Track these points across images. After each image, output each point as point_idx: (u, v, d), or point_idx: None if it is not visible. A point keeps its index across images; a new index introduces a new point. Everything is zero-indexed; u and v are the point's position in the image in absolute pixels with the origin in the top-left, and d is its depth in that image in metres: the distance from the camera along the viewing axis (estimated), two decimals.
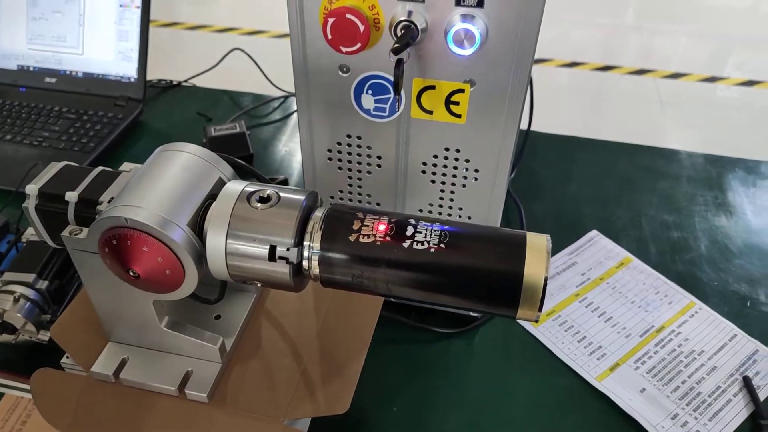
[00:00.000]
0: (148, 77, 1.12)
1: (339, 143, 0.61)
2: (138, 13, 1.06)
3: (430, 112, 0.56)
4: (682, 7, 3.53)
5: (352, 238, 0.44)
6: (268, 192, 0.46)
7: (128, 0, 1.06)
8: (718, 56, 3.04)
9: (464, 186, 0.60)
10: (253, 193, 0.46)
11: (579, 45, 3.14)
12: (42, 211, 0.49)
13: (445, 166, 0.60)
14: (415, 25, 0.50)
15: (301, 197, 0.46)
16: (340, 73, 0.55)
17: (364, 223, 0.45)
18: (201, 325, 0.54)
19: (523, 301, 0.43)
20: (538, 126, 0.98)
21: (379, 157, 0.61)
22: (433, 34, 0.50)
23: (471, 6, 0.49)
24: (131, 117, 1.06)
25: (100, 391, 0.53)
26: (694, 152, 1.04)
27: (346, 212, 0.46)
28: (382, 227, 0.44)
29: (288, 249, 0.44)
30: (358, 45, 0.50)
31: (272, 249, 0.44)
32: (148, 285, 0.47)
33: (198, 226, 0.46)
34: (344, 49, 0.51)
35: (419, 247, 0.43)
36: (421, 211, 0.64)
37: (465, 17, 0.49)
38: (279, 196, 0.46)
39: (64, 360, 0.56)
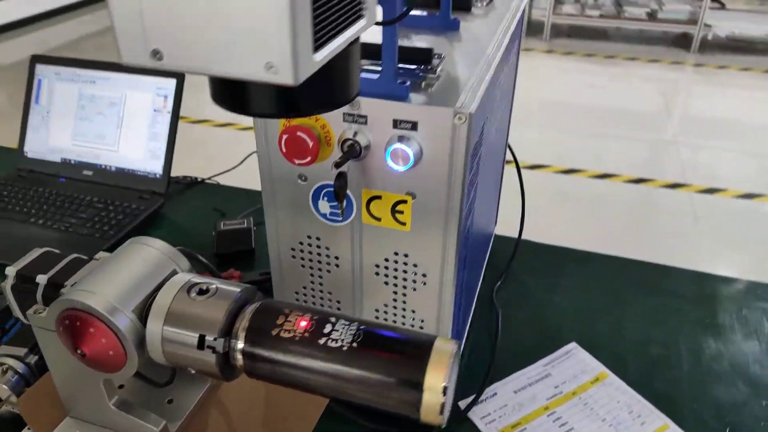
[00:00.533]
0: (176, 173, 1.22)
1: (301, 243, 0.66)
2: (169, 117, 1.19)
3: (379, 219, 0.61)
4: (720, 125, 3.57)
5: (274, 333, 0.48)
6: (207, 285, 0.51)
7: (161, 106, 1.19)
8: (758, 174, 3.02)
9: (414, 289, 0.64)
10: (194, 285, 0.51)
11: (616, 157, 3.19)
12: (17, 291, 0.55)
13: (395, 270, 0.63)
14: (359, 144, 0.55)
15: (236, 290, 0.50)
16: (299, 181, 0.61)
17: (288, 319, 0.48)
18: (152, 408, 0.58)
19: (425, 406, 0.45)
20: (561, 236, 1.01)
21: (336, 258, 0.65)
22: (375, 152, 0.56)
23: (406, 129, 0.54)
24: (152, 209, 1.15)
25: None
26: (686, 269, 1.03)
27: (274, 308, 0.50)
28: (303, 323, 0.48)
29: (215, 339, 0.48)
30: (308, 158, 0.56)
31: (201, 338, 0.48)
32: (94, 364, 0.51)
33: (143, 314, 0.51)
34: (297, 161, 0.57)
35: (333, 344, 0.46)
36: (377, 311, 0.67)
37: (401, 138, 0.55)
38: (217, 289, 0.50)
39: (25, 431, 0.60)
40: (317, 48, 0.31)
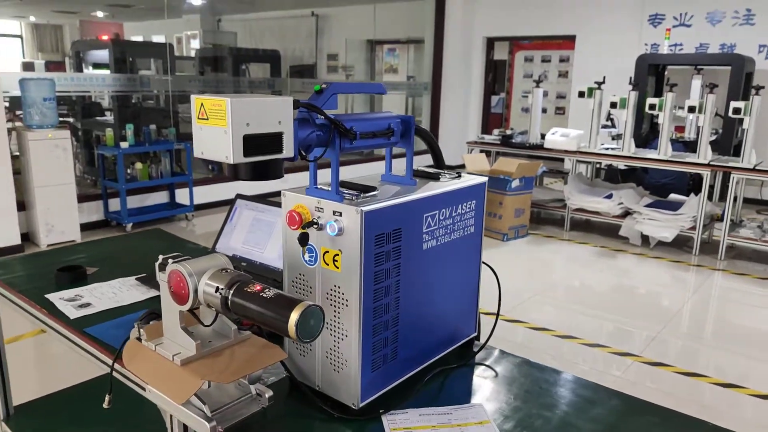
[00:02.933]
0: None
1: (296, 277, 1.22)
2: None
3: (327, 264, 1.15)
4: None
5: (245, 290, 1.05)
6: (227, 270, 1.10)
7: None
8: None
9: (342, 310, 1.15)
10: (224, 269, 1.11)
11: None
12: (159, 265, 1.20)
13: (334, 296, 1.16)
14: (318, 221, 1.13)
15: (237, 273, 1.09)
16: (299, 244, 1.20)
17: (251, 286, 1.05)
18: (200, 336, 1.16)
19: (289, 327, 0.96)
20: None
21: (310, 287, 1.20)
22: (326, 226, 1.13)
23: (338, 216, 1.11)
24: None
25: (149, 352, 1.16)
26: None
27: (248, 281, 1.07)
28: (257, 288, 1.04)
29: (222, 289, 1.06)
30: (296, 226, 1.15)
31: (216, 288, 1.07)
32: (176, 297, 1.12)
33: (200, 278, 1.11)
34: (292, 227, 1.16)
35: (265, 295, 1.02)
36: (331, 321, 1.18)
37: (335, 220, 1.11)
38: (229, 271, 1.09)
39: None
40: (246, 156, 0.92)
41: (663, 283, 4.77)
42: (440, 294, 1.34)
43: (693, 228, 5.14)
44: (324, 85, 1.09)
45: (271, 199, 1.98)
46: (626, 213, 5.55)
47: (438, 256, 1.31)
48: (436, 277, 1.31)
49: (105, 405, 1.37)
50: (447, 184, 1.32)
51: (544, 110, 11.20)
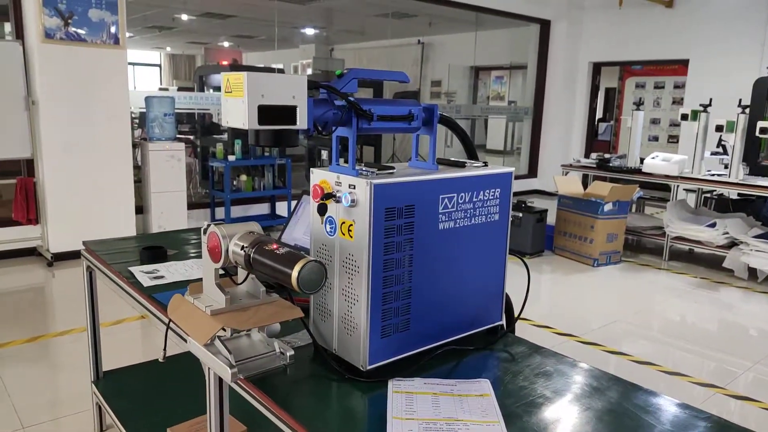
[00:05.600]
0: None
1: (321, 246, 1.34)
2: None
3: (344, 234, 1.26)
4: None
5: (264, 248, 1.19)
6: (253, 232, 1.25)
7: None
8: None
9: (354, 275, 1.25)
10: (252, 232, 1.25)
11: None
12: (203, 230, 1.37)
13: (348, 263, 1.26)
14: (336, 194, 1.25)
15: (263, 235, 1.23)
16: (317, 214, 1.32)
17: (270, 244, 1.19)
18: (233, 295, 1.31)
19: (292, 279, 1.08)
20: None
21: (330, 255, 1.31)
22: (341, 198, 1.25)
23: (352, 188, 1.22)
24: None
25: (188, 305, 1.33)
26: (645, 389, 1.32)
27: (268, 240, 1.20)
28: (274, 246, 1.18)
29: (246, 247, 1.21)
30: (319, 199, 1.28)
31: (242, 246, 1.21)
32: (211, 254, 1.28)
33: (231, 239, 1.27)
34: (315, 200, 1.29)
35: (278, 252, 1.15)
36: (345, 287, 1.29)
37: (350, 192, 1.23)
38: (254, 233, 1.24)
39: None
40: (260, 123, 1.05)
41: None
42: (459, 275, 1.41)
43: None
44: (345, 71, 1.21)
45: None
46: (732, 244, 5.17)
47: (457, 238, 1.37)
48: (454, 258, 1.38)
49: (160, 359, 1.55)
50: (469, 171, 1.40)
51: (656, 138, 10.72)
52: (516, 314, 1.56)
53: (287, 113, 1.10)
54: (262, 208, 6.53)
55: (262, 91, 1.06)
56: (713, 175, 5.46)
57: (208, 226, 1.35)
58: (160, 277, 1.94)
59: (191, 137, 8.00)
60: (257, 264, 1.18)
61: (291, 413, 1.16)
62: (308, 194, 2.33)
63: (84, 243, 2.31)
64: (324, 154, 8.37)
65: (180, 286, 1.84)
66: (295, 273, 1.07)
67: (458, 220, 1.37)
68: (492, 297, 1.52)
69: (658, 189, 6.91)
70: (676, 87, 10.21)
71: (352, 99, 1.20)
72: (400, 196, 1.25)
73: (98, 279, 2.25)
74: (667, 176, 5.52)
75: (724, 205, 6.34)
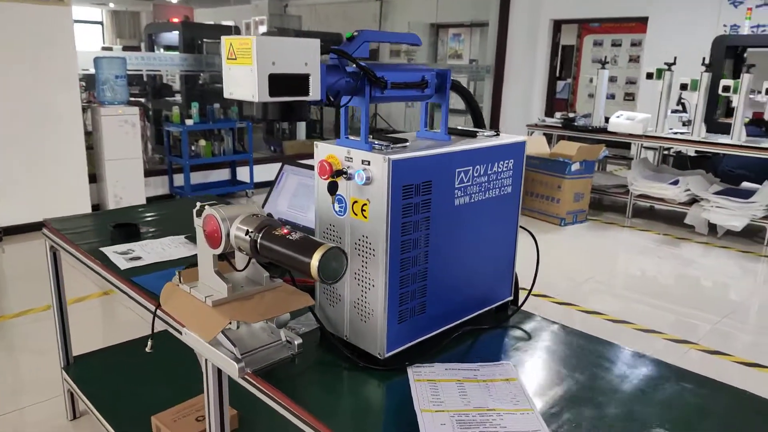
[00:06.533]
0: None
1: (327, 228, 1.23)
2: None
3: (356, 214, 1.16)
4: None
5: (273, 233, 1.07)
6: (258, 215, 1.13)
7: None
8: None
9: (369, 259, 1.15)
10: (255, 214, 1.13)
11: None
12: (196, 212, 1.24)
13: (362, 246, 1.16)
14: (347, 171, 1.14)
15: (268, 218, 1.11)
16: (328, 192, 1.21)
17: (279, 229, 1.07)
18: (233, 282, 1.19)
19: (311, 268, 0.98)
20: None
21: (339, 237, 1.21)
22: (353, 176, 1.14)
23: (366, 165, 1.11)
24: None
25: (184, 294, 1.21)
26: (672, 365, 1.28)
27: (276, 224, 1.09)
28: (285, 231, 1.06)
29: (251, 232, 1.09)
30: (326, 176, 1.17)
31: (246, 231, 1.10)
32: (209, 240, 1.16)
33: (232, 222, 1.14)
34: (322, 177, 1.18)
35: (291, 238, 1.04)
36: (356, 273, 1.19)
37: (364, 169, 1.12)
38: (259, 216, 1.12)
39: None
40: (271, 95, 0.93)
41: (730, 274, 4.53)
42: (473, 253, 1.33)
43: (766, 218, 4.85)
44: (355, 33, 1.09)
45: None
46: (693, 200, 5.29)
47: (471, 213, 1.29)
48: (468, 235, 1.30)
49: (147, 349, 1.43)
50: (483, 141, 1.30)
51: (612, 96, 10.81)
52: (529, 288, 1.50)
53: (299, 83, 0.97)
54: (223, 174, 6.30)
55: (272, 57, 0.93)
56: (675, 133, 5.53)
57: (202, 207, 1.22)
58: (136, 258, 1.79)
59: (141, 100, 7.59)
60: (266, 250, 1.07)
61: (308, 409, 1.08)
62: (290, 164, 2.21)
63: (45, 221, 2.13)
64: None
65: (160, 268, 1.70)
66: (315, 262, 0.97)
67: (473, 195, 1.28)
68: (503, 273, 1.45)
69: (617, 147, 6.98)
70: (633, 45, 10.29)
71: (363, 65, 1.08)
72: (418, 171, 1.15)
73: (63, 259, 2.08)
74: (631, 135, 5.57)
75: (682, 163, 6.47)
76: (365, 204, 1.14)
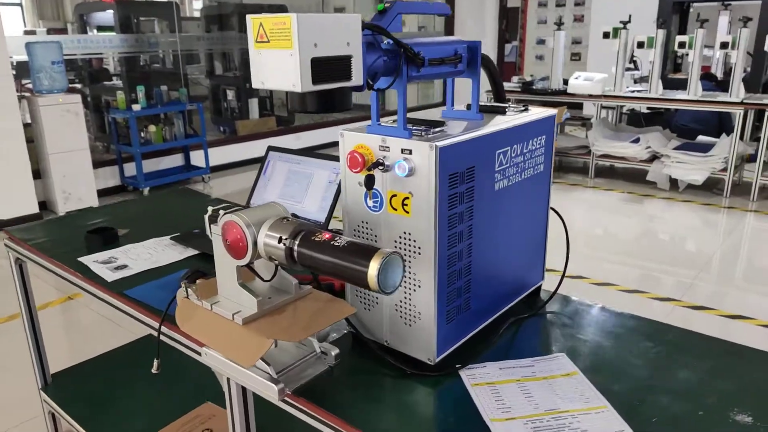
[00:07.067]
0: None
1: (359, 225, 1.11)
2: (336, 187, 1.76)
3: (396, 209, 1.04)
4: None
5: (313, 238, 0.94)
6: (290, 219, 0.99)
7: (333, 179, 1.77)
8: None
9: (415, 257, 1.04)
10: (284, 218, 1.00)
11: None
12: (209, 218, 1.09)
13: (403, 244, 1.05)
14: (384, 162, 1.02)
15: (303, 222, 0.98)
16: (358, 186, 1.08)
17: (319, 234, 0.94)
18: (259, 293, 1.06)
19: (369, 278, 0.86)
20: None
21: (375, 235, 1.09)
22: (392, 167, 1.01)
23: (407, 154, 0.99)
24: None
25: (204, 312, 1.07)
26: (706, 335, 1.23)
27: (315, 229, 0.96)
28: (327, 236, 0.93)
29: (286, 239, 0.95)
30: (359, 168, 1.04)
31: (280, 238, 0.96)
32: (232, 250, 1.02)
33: (259, 229, 1.01)
34: (353, 170, 1.05)
35: (336, 244, 0.91)
36: None
37: (404, 159, 0.99)
38: (290, 220, 0.98)
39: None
40: (315, 83, 0.80)
41: (693, 227, 4.65)
42: (511, 239, 1.23)
43: (724, 170, 4.98)
44: (387, 4, 0.95)
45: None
46: (653, 157, 5.38)
47: (510, 197, 1.19)
48: (507, 221, 1.20)
49: (154, 370, 1.29)
50: (516, 118, 1.20)
51: None
52: (562, 272, 1.42)
53: (342, 66, 0.83)
54: (176, 160, 6.00)
55: (315, 38, 0.79)
56: (633, 91, 5.58)
57: (216, 212, 1.07)
58: (122, 267, 1.62)
59: (77, 86, 7.11)
60: (306, 259, 0.94)
61: (365, 429, 0.97)
62: (275, 150, 2.04)
63: (5, 231, 1.91)
64: (230, 94, 7.78)
65: (153, 277, 1.54)
66: (373, 271, 0.85)
67: (511, 177, 1.18)
68: (536, 256, 1.36)
69: (571, 108, 7.02)
70: (576, 5, 10.31)
71: (400, 41, 0.95)
72: (463, 157, 1.04)
73: (31, 271, 1.88)
74: (591, 96, 5.59)
75: (636, 120, 6.57)
76: (407, 198, 1.02)
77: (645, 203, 5.13)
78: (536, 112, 1.25)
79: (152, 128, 5.44)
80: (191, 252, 1.71)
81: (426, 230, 1.01)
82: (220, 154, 6.26)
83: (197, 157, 5.98)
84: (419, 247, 1.03)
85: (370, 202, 1.08)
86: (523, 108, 1.26)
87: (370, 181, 1.02)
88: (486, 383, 1.07)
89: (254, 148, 6.66)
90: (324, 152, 1.83)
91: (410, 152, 0.99)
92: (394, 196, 1.04)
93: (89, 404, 1.99)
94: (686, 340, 1.22)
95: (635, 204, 5.12)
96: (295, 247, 0.95)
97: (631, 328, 1.27)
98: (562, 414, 0.98)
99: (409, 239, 1.04)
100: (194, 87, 8.31)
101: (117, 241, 1.81)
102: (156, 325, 1.29)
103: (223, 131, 7.34)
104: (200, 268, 1.39)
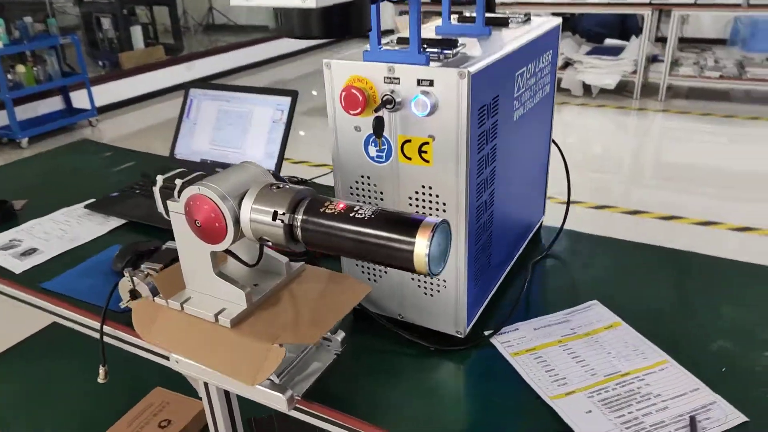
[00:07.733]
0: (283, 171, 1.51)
1: (356, 181, 0.88)
2: (283, 126, 1.49)
3: (410, 158, 0.82)
4: None
5: (322, 210, 0.70)
6: (283, 185, 0.74)
7: (278, 118, 1.50)
8: None
9: (438, 215, 0.83)
10: (273, 184, 0.75)
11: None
12: (162, 192, 0.82)
13: (423, 200, 0.84)
14: (393, 98, 0.78)
15: (300, 187, 0.73)
16: (354, 131, 0.85)
17: (331, 203, 0.71)
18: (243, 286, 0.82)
19: (416, 258, 0.64)
20: None
21: (381, 192, 0.87)
22: (405, 104, 0.78)
23: (426, 86, 0.76)
24: None
25: (173, 314, 0.82)
26: (712, 255, 1.13)
27: (323, 198, 0.72)
28: (341, 205, 0.70)
29: (284, 213, 0.71)
30: (359, 109, 0.80)
31: (274, 213, 0.72)
32: (205, 234, 0.76)
33: (240, 201, 0.75)
34: (351, 112, 0.81)
35: (359, 216, 0.68)
36: None
37: (423, 93, 0.76)
38: (288, 186, 0.74)
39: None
40: None
41: (609, 131, 4.73)
42: (523, 175, 1.05)
43: (634, 72, 5.05)
44: None
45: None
46: (566, 64, 5.36)
47: (524, 127, 1.00)
48: (521, 155, 1.02)
49: (100, 379, 1.04)
50: (526, 31, 0.98)
51: None
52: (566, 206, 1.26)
53: None
54: (55, 104, 5.26)
55: None
56: None
57: (171, 183, 0.80)
58: (30, 251, 1.29)
59: None
60: (317, 238, 0.70)
61: (397, 428, 0.79)
62: (197, 87, 1.71)
63: None
64: (106, 23, 6.89)
65: (73, 262, 1.24)
66: (421, 248, 0.63)
67: (525, 103, 0.99)
68: (538, 190, 1.20)
69: None
70: None
71: None
72: (491, 85, 0.82)
73: None
74: (503, 3, 5.40)
75: None
76: (425, 143, 0.80)
77: (561, 111, 5.14)
78: (540, 23, 1.05)
79: (21, 68, 4.68)
80: (115, 222, 1.40)
81: (452, 181, 0.80)
82: (104, 93, 5.57)
83: (79, 99, 5.28)
84: (444, 203, 0.82)
85: (373, 151, 0.84)
86: (526, 18, 1.05)
87: (379, 126, 0.79)
88: (526, 351, 0.91)
89: (144, 83, 5.99)
90: (220, 82, 1.53)
91: (430, 83, 0.76)
92: (408, 141, 0.81)
93: (11, 407, 1.68)
94: (712, 266, 1.12)
95: (557, 114, 5.12)
96: (298, 224, 0.71)
97: (653, 259, 1.15)
98: (625, 378, 0.85)
99: (431, 194, 0.83)
100: (61, 17, 7.30)
101: (15, 218, 1.46)
102: (96, 325, 1.02)
103: (103, 66, 6.53)
104: (136, 244, 1.12)
